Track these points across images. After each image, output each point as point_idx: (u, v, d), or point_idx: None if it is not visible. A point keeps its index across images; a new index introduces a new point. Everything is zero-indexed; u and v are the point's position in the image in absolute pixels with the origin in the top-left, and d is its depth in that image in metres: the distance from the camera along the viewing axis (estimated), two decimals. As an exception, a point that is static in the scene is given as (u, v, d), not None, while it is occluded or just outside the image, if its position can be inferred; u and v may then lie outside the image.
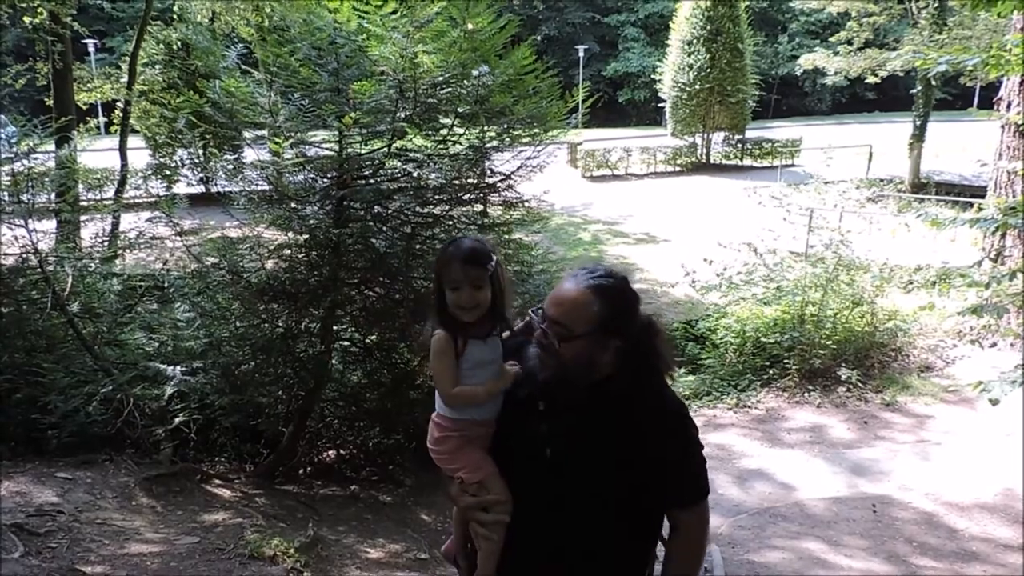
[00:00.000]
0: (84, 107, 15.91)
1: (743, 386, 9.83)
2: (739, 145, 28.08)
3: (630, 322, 2.12)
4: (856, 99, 47.13)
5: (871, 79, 24.00)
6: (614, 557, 2.16)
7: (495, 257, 2.23)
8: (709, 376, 10.15)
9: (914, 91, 23.57)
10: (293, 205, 5.68)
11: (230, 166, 6.42)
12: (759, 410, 9.22)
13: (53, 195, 6.70)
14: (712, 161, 27.92)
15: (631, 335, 2.11)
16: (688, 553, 2.23)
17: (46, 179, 6.30)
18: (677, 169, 27.03)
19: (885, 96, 43.15)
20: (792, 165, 26.01)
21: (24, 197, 5.89)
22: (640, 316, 2.17)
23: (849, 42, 23.91)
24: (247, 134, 5.99)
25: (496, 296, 2.24)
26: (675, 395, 2.24)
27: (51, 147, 6.56)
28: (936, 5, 21.56)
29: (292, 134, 5.52)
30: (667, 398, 2.18)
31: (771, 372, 9.89)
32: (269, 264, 5.95)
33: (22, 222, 5.85)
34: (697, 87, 26.43)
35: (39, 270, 5.95)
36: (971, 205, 15.92)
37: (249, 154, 6.56)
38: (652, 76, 33.29)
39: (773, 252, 11.70)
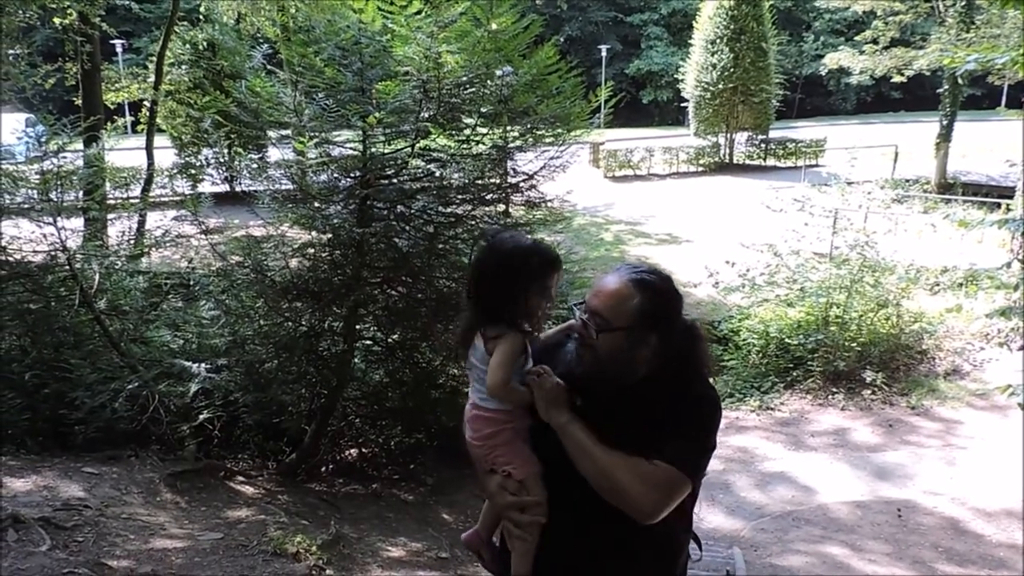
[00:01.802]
0: (112, 107, 16.07)
1: (766, 388, 9.76)
2: (762, 145, 27.87)
3: (671, 322, 2.09)
4: (881, 98, 46.64)
5: (897, 78, 23.74)
6: (648, 551, 2.12)
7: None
8: (732, 378, 10.09)
9: (941, 90, 23.26)
10: (317, 204, 5.70)
11: (255, 165, 6.46)
12: (782, 412, 9.16)
13: (81, 193, 6.77)
14: (735, 161, 27.73)
15: (671, 336, 2.08)
16: (608, 463, 2.02)
17: (74, 177, 6.36)
18: (700, 169, 26.87)
19: (911, 95, 42.65)
20: (816, 165, 25.76)
21: (53, 195, 5.96)
22: (682, 318, 2.15)
23: (875, 41, 23.65)
24: (272, 133, 6.02)
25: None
26: (712, 389, 2.22)
27: (79, 146, 6.63)
28: (964, 3, 21.27)
29: (316, 134, 5.54)
30: (702, 386, 2.16)
31: (795, 374, 9.82)
32: (293, 263, 5.98)
33: (51, 220, 5.92)
34: (720, 86, 26.26)
35: (67, 267, 6.01)
36: (999, 206, 15.71)
37: (273, 153, 6.60)
38: (675, 75, 33.15)
39: (797, 253, 11.61)
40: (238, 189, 6.84)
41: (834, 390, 9.46)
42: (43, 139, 6.21)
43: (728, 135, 27.67)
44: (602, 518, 2.06)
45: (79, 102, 13.32)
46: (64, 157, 6.14)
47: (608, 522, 2.06)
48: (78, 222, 7.03)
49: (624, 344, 2.04)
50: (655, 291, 2.06)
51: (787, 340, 10.08)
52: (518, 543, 2.19)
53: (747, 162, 27.84)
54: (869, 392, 9.34)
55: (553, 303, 2.23)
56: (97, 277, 6.29)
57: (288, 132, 5.70)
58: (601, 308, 2.05)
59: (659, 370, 2.08)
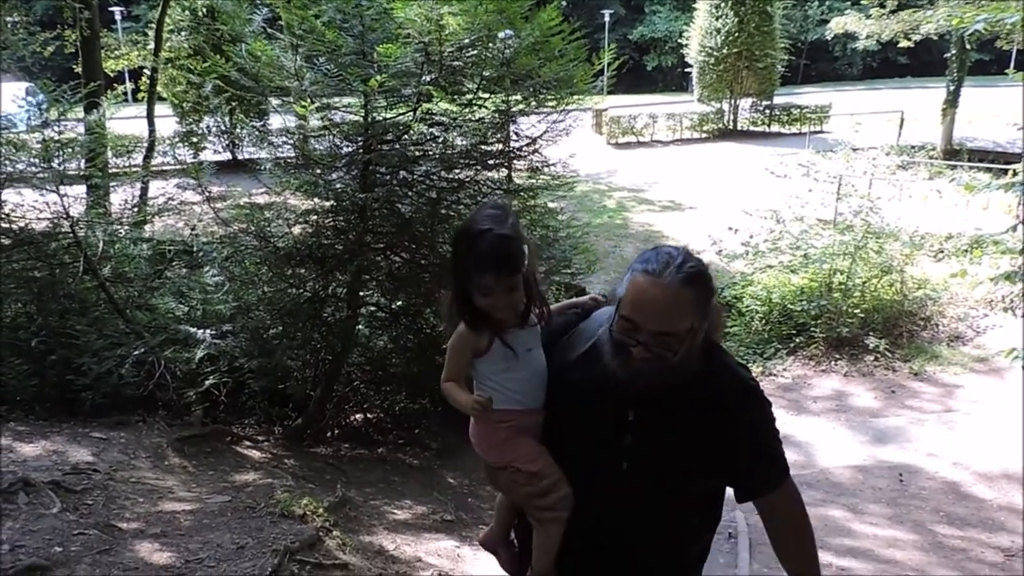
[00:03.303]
0: (112, 74, 15.96)
1: (769, 354, 9.79)
2: (767, 111, 27.63)
3: (712, 300, 1.99)
4: (888, 64, 46.13)
5: (904, 43, 23.41)
6: (684, 554, 2.11)
7: (526, 248, 2.03)
8: (735, 344, 10.12)
9: (948, 55, 23.00)
10: (319, 171, 5.69)
11: (256, 132, 6.43)
12: (785, 378, 9.19)
13: (83, 161, 6.75)
14: (739, 127, 27.51)
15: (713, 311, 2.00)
16: (800, 535, 2.08)
17: (76, 145, 6.34)
18: (704, 136, 26.69)
19: (918, 61, 42.19)
20: (821, 132, 25.56)
21: (55, 163, 5.94)
22: None
23: (881, 4, 23.31)
24: (273, 100, 6.00)
25: (529, 287, 2.06)
26: (742, 366, 2.13)
27: (80, 114, 6.59)
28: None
29: (318, 99, 5.52)
30: (741, 375, 2.07)
31: (797, 340, 9.85)
32: (296, 229, 5.99)
33: (53, 187, 5.91)
34: (724, 52, 25.96)
35: (71, 235, 6.02)
36: (1005, 172, 15.62)
37: (275, 120, 6.57)
38: (679, 41, 32.80)
39: (800, 220, 11.58)
40: (240, 157, 6.82)
41: (836, 356, 9.49)
42: (43, 107, 6.18)
43: (732, 101, 27.42)
44: (644, 520, 2.03)
45: (79, 70, 13.23)
46: (65, 124, 6.12)
47: (651, 522, 2.04)
48: (80, 190, 7.03)
49: (694, 343, 1.93)
50: (701, 277, 1.93)
51: (790, 306, 10.09)
52: (542, 537, 2.11)
53: (751, 128, 27.63)
54: (871, 358, 9.36)
55: (510, 308, 2.03)
56: (101, 244, 6.30)
57: (289, 97, 5.67)
58: (666, 326, 1.88)
59: (700, 351, 1.98)
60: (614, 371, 1.94)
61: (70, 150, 6.21)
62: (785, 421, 8.03)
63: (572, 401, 2.07)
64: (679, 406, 1.98)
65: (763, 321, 10.32)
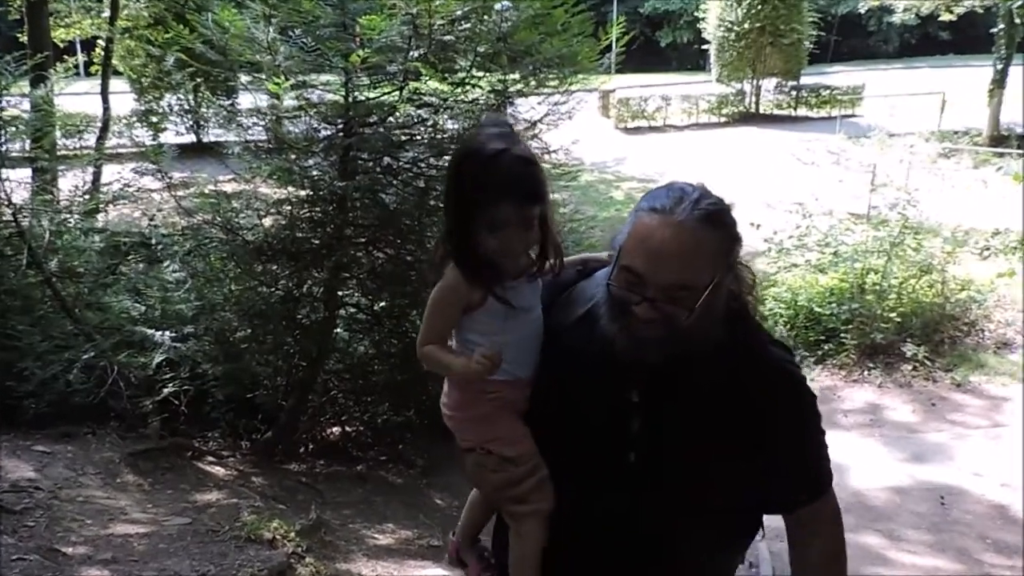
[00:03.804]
0: (62, 44, 15.92)
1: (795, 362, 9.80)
2: (793, 92, 27.69)
3: (737, 251, 1.80)
4: (928, 40, 46.24)
5: (945, 16, 23.56)
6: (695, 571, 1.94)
7: (546, 179, 1.89)
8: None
9: (995, 30, 23.04)
10: (294, 156, 5.69)
11: (224, 112, 6.43)
12: (812, 389, 9.21)
13: (28, 142, 6.73)
14: (762, 111, 27.57)
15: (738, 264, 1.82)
16: (834, 561, 1.97)
17: (20, 124, 6.32)
18: (722, 120, 26.73)
19: (961, 36, 42.26)
20: (853, 115, 25.64)
21: (-3, 143, 5.93)
22: None
23: (921, -26, 23.42)
24: (243, 76, 5.98)
25: (546, 227, 1.89)
26: (782, 346, 1.96)
27: (25, 88, 6.57)
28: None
29: (293, 75, 5.50)
30: (779, 356, 1.89)
31: (826, 347, 9.84)
32: (267, 221, 5.99)
33: (-6, 170, 5.90)
34: (746, 26, 26.01)
35: (13, 224, 6.00)
36: (1058, 161, 15.65)
37: (245, 99, 6.56)
38: (695, 14, 32.83)
39: (829, 213, 11.59)
40: (205, 139, 6.81)
41: (870, 365, 9.50)
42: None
43: (754, 81, 27.47)
44: (651, 529, 1.86)
45: (24, 38, 13.18)
46: (8, 100, 6.10)
47: (659, 532, 1.86)
48: (25, 174, 7.00)
49: (714, 303, 1.73)
50: (724, 217, 1.76)
51: (818, 310, 10.08)
52: (525, 529, 1.93)
53: (775, 112, 27.68)
54: (909, 367, 9.37)
55: (522, 250, 1.87)
56: (47, 235, 6.28)
57: (261, 74, 5.65)
58: (682, 277, 1.69)
59: (726, 319, 1.79)
60: (612, 337, 1.77)
61: (13, 129, 6.20)
62: (812, 438, 8.04)
63: (565, 375, 1.90)
64: (698, 386, 1.79)
65: (788, 326, 10.31)
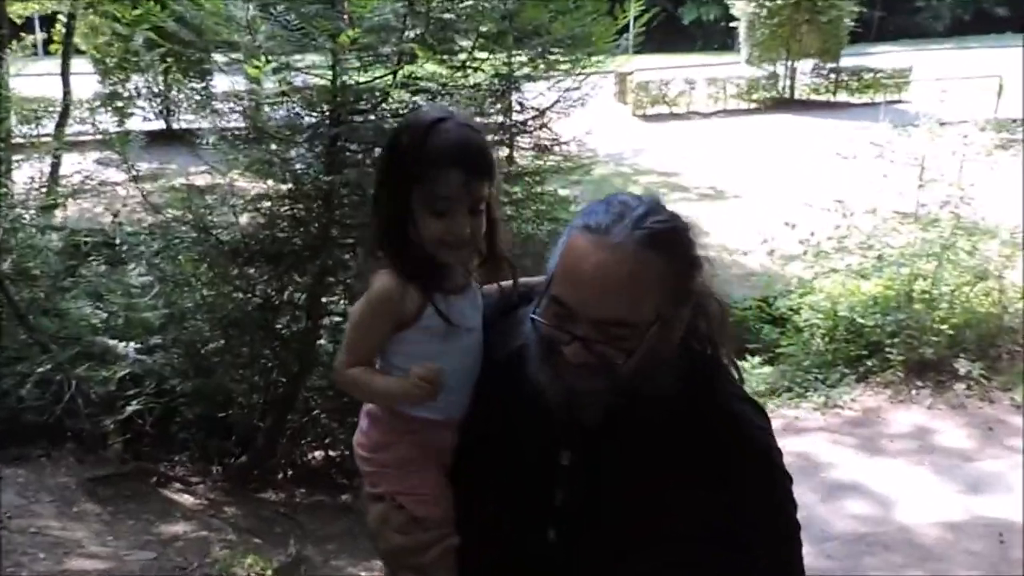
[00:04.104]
0: (18, 21, 15.96)
1: (833, 381, 9.75)
2: (832, 76, 27.68)
3: (694, 278, 1.64)
4: (982, 17, 46.23)
5: (1004, -7, 23.44)
6: None
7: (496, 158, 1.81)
8: (790, 368, 10.08)
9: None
10: (274, 146, 5.69)
11: (197, 96, 6.44)
12: (853, 411, 9.15)
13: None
14: (797, 96, 27.55)
15: (704, 298, 1.68)
16: None
17: (-30, 109, 6.34)
18: (753, 106, 26.73)
19: (1020, 13, 42.24)
20: (899, 101, 25.56)
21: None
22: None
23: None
24: (218, 57, 5.98)
25: (493, 223, 1.79)
26: (754, 408, 1.78)
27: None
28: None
29: (274, 57, 5.50)
30: (748, 423, 1.71)
31: (869, 364, 9.79)
32: (244, 219, 5.98)
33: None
34: (779, 2, 26.03)
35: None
36: None
37: (220, 82, 6.56)
38: (724, -12, 32.86)
39: (873, 212, 11.54)
40: (176, 126, 6.81)
41: (919, 383, 9.44)
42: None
43: (789, 63, 27.45)
44: None
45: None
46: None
47: None
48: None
49: (661, 344, 1.59)
50: (676, 239, 1.60)
51: (860, 321, 10.03)
52: None
53: (812, 97, 27.66)
54: (963, 386, 9.31)
55: (468, 242, 1.73)
56: (0, 233, 6.28)
57: (239, 55, 5.65)
58: (617, 312, 1.53)
59: (682, 362, 1.65)
60: (542, 386, 1.60)
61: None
62: (854, 465, 7.99)
63: (490, 425, 1.75)
64: (642, 451, 1.63)
65: (826, 339, 10.27)
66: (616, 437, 1.63)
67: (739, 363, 1.87)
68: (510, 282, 1.90)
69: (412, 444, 1.78)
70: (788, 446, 8.12)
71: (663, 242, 1.56)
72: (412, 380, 1.68)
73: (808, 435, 8.66)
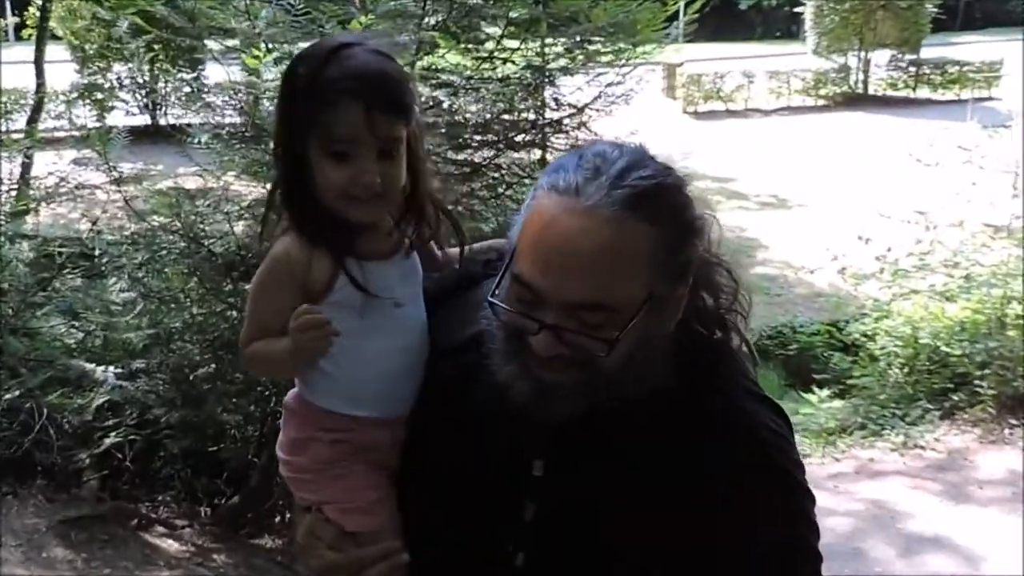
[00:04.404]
0: (-12, 3, 16.21)
1: (913, 417, 9.69)
2: (911, 69, 27.55)
3: (693, 246, 1.50)
4: (1087, 4, 45.91)
5: (1112, -25, 23.32)
6: None
7: (413, 88, 1.69)
8: (864, 402, 10.03)
9: None
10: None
11: (187, 89, 6.48)
12: (937, 452, 9.08)
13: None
14: (871, 91, 27.45)
15: (709, 270, 1.57)
16: None
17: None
18: (820, 102, 26.64)
19: None
20: (989, 99, 25.41)
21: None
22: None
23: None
24: (212, 44, 6.03)
25: (417, 170, 1.69)
26: (768, 405, 1.63)
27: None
28: None
29: (276, 45, 5.54)
30: (758, 423, 1.56)
31: (955, 398, 9.73)
32: (239, 228, 6.00)
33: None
34: (852, -15, 25.99)
35: (-76, 228, 6.09)
36: None
37: (214, 73, 6.62)
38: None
39: (960, 225, 11.48)
40: (163, 121, 6.87)
41: (1012, 421, 9.37)
42: None
43: (862, 54, 27.36)
44: None
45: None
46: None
47: None
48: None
49: (652, 329, 1.46)
50: (665, 196, 1.46)
51: (944, 349, 9.97)
52: None
53: (888, 92, 27.56)
54: (1062, 426, 9.26)
55: (376, 185, 1.58)
56: (-35, 242, 6.35)
57: (236, 42, 5.70)
58: (594, 293, 1.40)
59: (680, 353, 1.53)
60: (506, 383, 1.49)
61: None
62: (937, 514, 7.93)
63: (444, 424, 1.64)
64: (629, 455, 1.52)
65: (905, 370, 10.20)
66: (597, 442, 1.52)
67: (754, 351, 1.73)
68: (462, 249, 1.80)
69: (331, 443, 1.67)
70: (861, 492, 8.19)
71: (650, 203, 1.41)
72: (291, 333, 1.56)
73: (885, 479, 8.59)
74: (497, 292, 1.49)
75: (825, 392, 10.13)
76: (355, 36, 1.73)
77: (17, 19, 18.64)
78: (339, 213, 1.60)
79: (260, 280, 1.68)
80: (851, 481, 7.61)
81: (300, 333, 1.55)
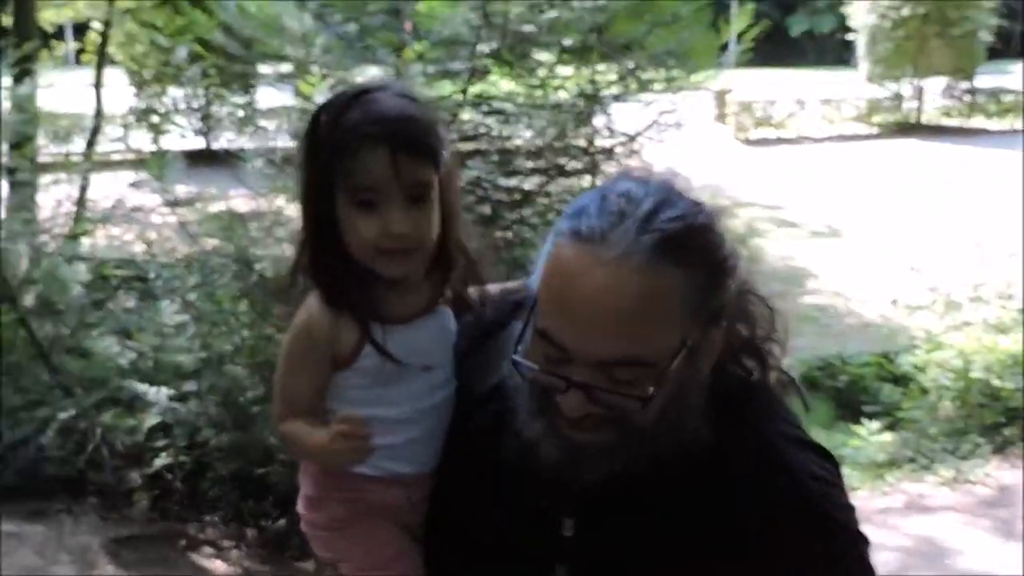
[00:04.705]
0: (50, 29, 16.47)
1: (964, 452, 9.56)
2: (966, 97, 27.30)
3: (727, 287, 1.40)
4: None
5: None
6: None
7: (443, 132, 1.58)
8: (914, 435, 9.91)
9: None
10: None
11: (241, 113, 6.55)
12: (988, 488, 8.95)
13: (6, 146, 6.94)
14: (925, 120, 27.20)
15: (744, 311, 1.48)
16: None
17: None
18: (873, 130, 26.45)
19: None
20: (1046, 128, 25.15)
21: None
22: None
23: None
24: (265, 69, 6.10)
25: (452, 219, 1.60)
26: (816, 452, 1.53)
27: (6, 81, 6.79)
28: None
29: (329, 71, 5.60)
30: (806, 472, 1.46)
31: (1007, 433, 9.60)
32: (291, 251, 6.04)
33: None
34: (906, 12, 25.79)
35: (-14, 249, 6.16)
36: None
37: (267, 97, 6.69)
38: (840, -5, 32.73)
39: (1015, 256, 11.37)
40: (215, 145, 6.94)
41: (1066, 458, 9.25)
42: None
43: (916, 82, 27.15)
44: None
45: (8, 22, 13.71)
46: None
47: None
48: (0, 186, 7.22)
49: (689, 378, 1.38)
50: (698, 237, 1.36)
51: (996, 383, 9.84)
52: None
53: (942, 121, 27.30)
54: (1122, 462, 9.10)
55: (407, 234, 1.50)
56: (25, 263, 6.43)
57: (289, 68, 5.77)
58: (628, 348, 1.31)
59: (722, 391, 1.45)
60: (533, 442, 1.40)
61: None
62: (988, 552, 7.81)
63: (470, 478, 1.57)
64: (664, 512, 1.43)
65: (957, 403, 10.08)
66: (629, 497, 1.42)
67: (805, 393, 1.64)
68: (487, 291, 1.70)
69: (347, 502, 1.62)
70: (909, 527, 8.08)
71: (681, 247, 1.31)
72: (331, 435, 1.49)
73: (934, 515, 8.47)
74: (520, 348, 1.40)
75: (875, 424, 10.01)
76: (379, 81, 1.66)
77: (77, 45, 18.96)
78: (371, 269, 1.53)
79: (286, 352, 1.61)
80: (900, 516, 7.52)
81: (338, 442, 1.48)
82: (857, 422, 10.06)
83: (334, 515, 1.63)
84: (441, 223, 1.56)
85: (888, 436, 10.00)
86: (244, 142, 6.14)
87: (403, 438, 1.58)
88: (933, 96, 27.56)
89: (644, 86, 6.03)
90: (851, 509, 1.49)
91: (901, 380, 10.69)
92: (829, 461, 1.52)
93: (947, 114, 27.52)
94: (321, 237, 1.53)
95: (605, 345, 1.30)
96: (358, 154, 1.45)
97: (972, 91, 27.36)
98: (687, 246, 1.32)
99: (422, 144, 1.49)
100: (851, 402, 11.11)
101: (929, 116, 27.38)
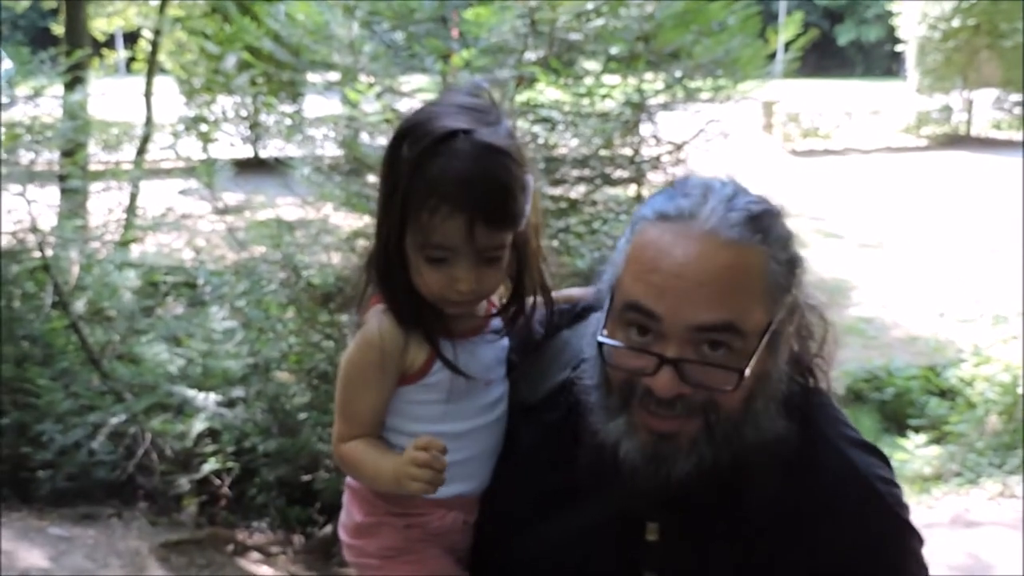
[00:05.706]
0: (102, 38, 16.67)
1: (1012, 466, 9.44)
2: (1016, 109, 26.96)
3: (800, 281, 1.45)
4: None
5: None
6: None
7: (529, 179, 1.50)
8: (960, 449, 9.80)
9: None
10: (373, 178, 5.77)
11: (289, 121, 6.58)
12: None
13: (58, 154, 7.02)
14: (975, 132, 26.90)
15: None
16: None
17: (50, 133, 6.58)
18: (923, 142, 26.19)
19: None
20: (1100, 140, 24.81)
21: (23, 156, 6.18)
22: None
23: None
24: (314, 78, 6.13)
25: (527, 259, 1.57)
26: (871, 452, 1.55)
27: (58, 90, 6.87)
28: None
29: (377, 79, 5.63)
30: (868, 472, 1.49)
31: (1056, 448, 9.48)
32: (337, 259, 6.06)
33: (20, 190, 6.13)
34: (956, 23, 25.53)
35: (38, 254, 6.22)
36: None
37: (315, 105, 6.72)
38: (886, 6, 32.44)
39: (1066, 269, 11.23)
40: (263, 153, 6.99)
41: (1116, 475, 9.10)
42: (11, 80, 6.47)
43: (966, 94, 26.86)
44: None
45: (60, 31, 13.92)
46: (38, 105, 6.37)
47: None
48: (52, 193, 7.30)
49: (774, 364, 1.40)
50: (776, 224, 1.41)
51: (1047, 397, 9.75)
52: None
53: (992, 133, 26.99)
54: None
55: (471, 293, 1.49)
56: (76, 269, 6.49)
57: (337, 76, 5.80)
58: (723, 311, 1.32)
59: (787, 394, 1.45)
60: (613, 442, 1.38)
61: (42, 138, 6.46)
62: (1035, 569, 7.71)
63: (529, 491, 1.55)
64: (747, 512, 1.42)
65: (1004, 417, 9.96)
66: (713, 501, 1.40)
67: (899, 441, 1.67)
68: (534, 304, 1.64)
69: (402, 529, 1.58)
70: (955, 541, 8.00)
71: (765, 226, 1.36)
72: (405, 461, 1.44)
73: (980, 529, 8.37)
74: (603, 331, 1.38)
75: (921, 438, 9.91)
76: (468, 118, 1.44)
77: (128, 54, 19.19)
78: (435, 305, 1.50)
79: (353, 365, 1.55)
80: (946, 530, 7.44)
81: (416, 467, 1.42)
82: (903, 435, 9.97)
83: (388, 543, 1.59)
84: (516, 264, 1.55)
85: (934, 450, 9.90)
86: (292, 150, 6.17)
87: (464, 455, 1.55)
88: (983, 108, 27.24)
89: (691, 95, 6.00)
90: (908, 507, 1.53)
91: (947, 393, 10.59)
92: (885, 461, 1.56)
93: (997, 126, 27.20)
94: (392, 262, 1.49)
95: (700, 309, 1.31)
96: (434, 216, 1.40)
97: (1023, 103, 27.01)
98: (771, 226, 1.38)
99: (502, 215, 1.44)
100: (897, 415, 11.01)
101: (979, 128, 27.07)
